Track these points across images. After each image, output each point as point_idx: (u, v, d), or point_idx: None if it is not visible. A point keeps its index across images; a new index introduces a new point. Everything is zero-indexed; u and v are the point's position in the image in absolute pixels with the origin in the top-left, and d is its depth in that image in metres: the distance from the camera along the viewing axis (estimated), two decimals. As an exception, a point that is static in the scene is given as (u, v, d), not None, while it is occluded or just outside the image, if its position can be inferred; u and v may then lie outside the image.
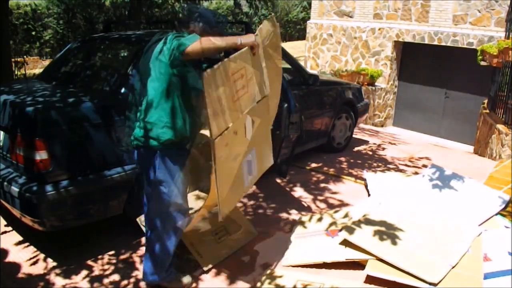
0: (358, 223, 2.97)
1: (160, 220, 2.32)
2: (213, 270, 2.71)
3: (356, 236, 2.77)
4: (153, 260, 2.38)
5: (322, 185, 4.12)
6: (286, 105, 3.30)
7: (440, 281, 2.44)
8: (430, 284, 2.41)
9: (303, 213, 3.49)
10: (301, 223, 3.23)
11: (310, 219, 3.27)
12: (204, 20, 2.28)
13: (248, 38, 2.19)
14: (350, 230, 2.85)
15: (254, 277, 2.65)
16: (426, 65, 9.81)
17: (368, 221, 2.99)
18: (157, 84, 2.17)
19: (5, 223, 3.21)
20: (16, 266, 2.70)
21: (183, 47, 2.06)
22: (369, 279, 2.53)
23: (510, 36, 6.87)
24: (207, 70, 1.89)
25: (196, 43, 2.05)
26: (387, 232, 2.86)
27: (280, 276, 2.60)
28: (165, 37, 2.22)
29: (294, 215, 3.47)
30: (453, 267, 2.55)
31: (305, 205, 3.66)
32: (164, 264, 2.38)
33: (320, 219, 3.23)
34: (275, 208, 3.57)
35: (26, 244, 2.96)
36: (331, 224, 3.10)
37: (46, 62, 12.07)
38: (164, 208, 2.29)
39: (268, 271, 2.67)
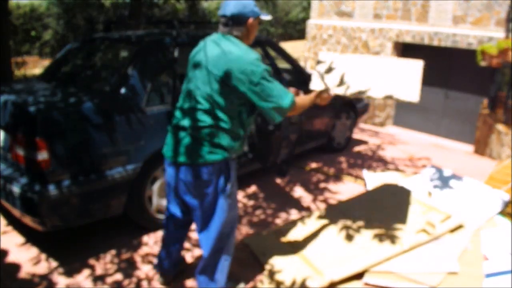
0: (337, 241, 2.93)
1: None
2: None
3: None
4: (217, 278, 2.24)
5: (322, 185, 4.12)
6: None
7: (440, 283, 2.44)
8: (431, 287, 2.41)
9: (303, 213, 3.50)
10: (301, 220, 3.22)
11: (309, 217, 3.26)
12: (256, 13, 2.10)
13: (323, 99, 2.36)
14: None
15: (254, 277, 2.65)
16: (426, 65, 9.78)
17: (348, 237, 2.94)
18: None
19: (6, 223, 3.21)
20: (17, 266, 2.70)
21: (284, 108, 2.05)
22: (369, 285, 2.53)
23: (510, 36, 6.88)
24: None
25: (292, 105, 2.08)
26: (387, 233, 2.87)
27: (281, 276, 2.59)
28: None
29: (294, 215, 3.47)
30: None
31: (305, 205, 3.67)
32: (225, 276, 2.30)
33: (321, 217, 3.22)
34: (275, 208, 3.58)
35: (27, 244, 2.96)
36: (308, 238, 2.96)
37: (46, 62, 12.07)
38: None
39: (268, 271, 2.68)
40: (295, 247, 2.83)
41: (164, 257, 2.49)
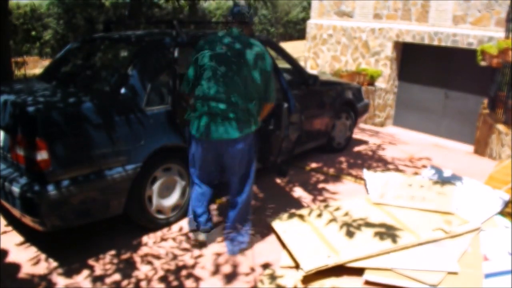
0: (358, 226, 2.98)
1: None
2: (213, 270, 2.72)
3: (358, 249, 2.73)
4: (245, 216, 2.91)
5: (322, 185, 4.12)
6: (286, 105, 3.31)
7: (440, 282, 2.44)
8: (431, 285, 2.42)
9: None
10: (300, 216, 3.24)
11: (309, 214, 3.27)
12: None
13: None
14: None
15: (254, 277, 2.66)
16: (426, 65, 9.81)
17: (368, 224, 3.00)
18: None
19: (5, 223, 3.21)
20: (17, 267, 2.70)
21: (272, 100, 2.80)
22: (369, 282, 2.54)
23: (510, 36, 6.88)
24: None
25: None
26: (387, 233, 2.87)
27: (280, 276, 2.60)
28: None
29: (294, 215, 3.47)
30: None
31: (305, 205, 3.66)
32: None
33: (319, 215, 3.23)
34: (275, 208, 3.57)
35: (27, 244, 2.96)
36: (330, 221, 3.10)
37: (46, 62, 12.07)
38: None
39: (268, 271, 2.68)
40: (315, 228, 3.04)
41: (199, 213, 2.88)
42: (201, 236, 2.92)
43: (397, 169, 4.61)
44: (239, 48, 2.58)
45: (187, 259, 2.83)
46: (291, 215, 3.28)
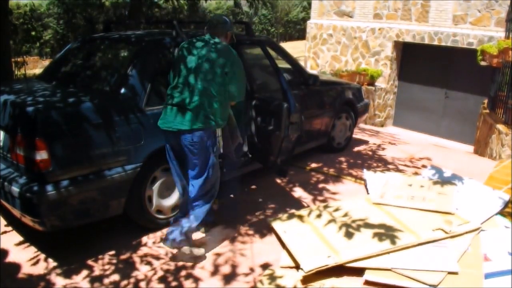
0: (358, 226, 2.98)
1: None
2: (213, 270, 2.72)
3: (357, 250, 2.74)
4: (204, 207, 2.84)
5: (322, 185, 4.12)
6: (286, 105, 3.31)
7: (440, 282, 2.44)
8: (430, 285, 2.41)
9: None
10: (299, 217, 3.24)
11: (309, 214, 3.27)
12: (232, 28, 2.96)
13: None
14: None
15: (253, 277, 2.65)
16: (426, 65, 9.81)
17: (368, 224, 3.00)
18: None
19: (5, 223, 3.21)
20: (16, 266, 2.70)
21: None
22: (369, 282, 2.53)
23: (510, 36, 6.87)
24: None
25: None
26: (386, 234, 2.87)
27: (280, 276, 2.60)
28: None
29: (294, 215, 3.47)
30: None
31: (305, 205, 3.66)
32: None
33: (319, 216, 3.23)
34: (275, 208, 3.57)
35: (27, 244, 2.96)
36: (330, 221, 3.10)
37: (46, 62, 12.07)
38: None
39: (268, 271, 2.68)
40: (315, 228, 3.03)
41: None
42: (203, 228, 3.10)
43: (397, 169, 4.60)
44: (205, 51, 2.75)
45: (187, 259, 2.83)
46: (291, 215, 3.28)
